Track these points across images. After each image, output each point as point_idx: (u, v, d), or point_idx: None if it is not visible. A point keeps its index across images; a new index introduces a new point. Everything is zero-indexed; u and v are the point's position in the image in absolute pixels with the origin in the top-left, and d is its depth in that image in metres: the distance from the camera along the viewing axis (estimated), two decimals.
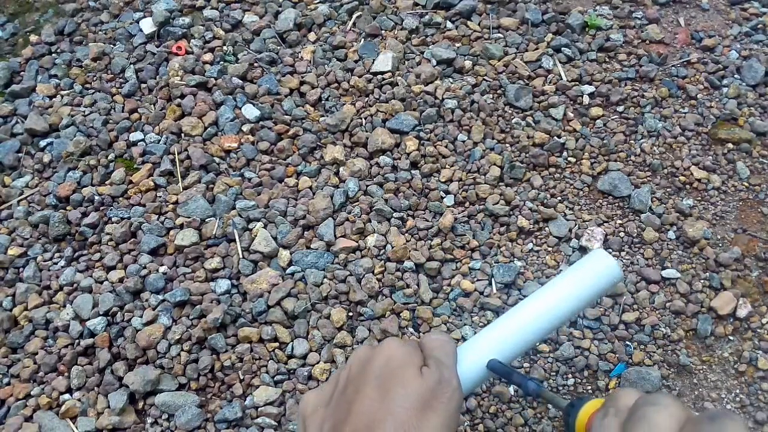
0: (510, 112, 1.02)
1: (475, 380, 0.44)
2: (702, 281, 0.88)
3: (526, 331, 0.45)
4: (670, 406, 0.29)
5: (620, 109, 1.03)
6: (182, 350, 0.82)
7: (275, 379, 0.81)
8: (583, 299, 0.46)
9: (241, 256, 0.88)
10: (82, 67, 1.09)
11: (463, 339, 0.83)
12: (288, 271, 0.87)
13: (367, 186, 0.94)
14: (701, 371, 0.83)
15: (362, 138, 0.97)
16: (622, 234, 0.92)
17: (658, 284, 0.88)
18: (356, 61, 1.07)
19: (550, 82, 1.05)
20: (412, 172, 0.95)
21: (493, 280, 0.87)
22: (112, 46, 1.12)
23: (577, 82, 1.06)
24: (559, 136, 0.99)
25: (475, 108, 1.01)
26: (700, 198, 0.95)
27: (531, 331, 0.45)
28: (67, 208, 0.95)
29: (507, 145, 0.99)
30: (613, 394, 0.33)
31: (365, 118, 1.00)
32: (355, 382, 0.39)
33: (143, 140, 1.00)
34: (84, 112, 1.03)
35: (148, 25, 1.12)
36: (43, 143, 1.01)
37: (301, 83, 1.05)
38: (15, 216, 0.94)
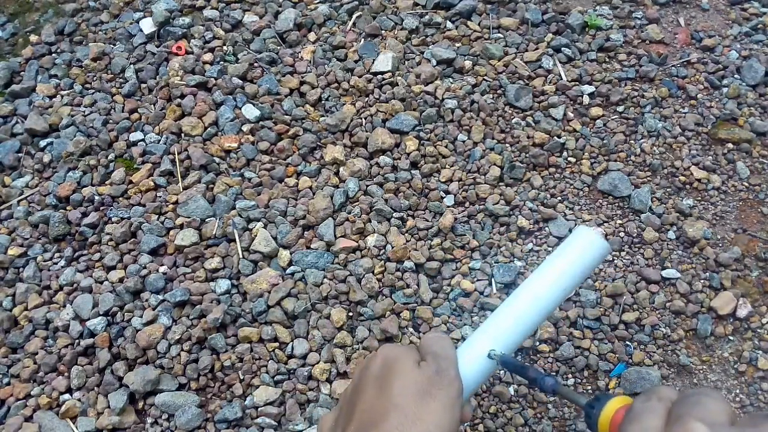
0: (510, 112, 1.02)
1: (478, 373, 0.44)
2: (702, 281, 0.88)
3: (524, 319, 0.46)
4: (723, 399, 0.30)
5: (620, 109, 1.03)
6: (182, 350, 0.82)
7: (275, 379, 0.81)
8: (574, 279, 0.47)
9: (241, 256, 0.88)
10: (82, 67, 1.09)
11: (463, 339, 0.83)
12: (288, 271, 0.87)
13: (367, 186, 0.94)
14: (701, 371, 0.83)
15: (362, 138, 0.97)
16: (622, 234, 0.92)
17: (658, 284, 0.88)
18: (356, 61, 1.07)
19: (550, 82, 1.05)
20: (412, 172, 0.95)
21: (493, 280, 0.87)
22: (112, 46, 1.12)
23: (577, 82, 1.06)
24: (559, 136, 0.99)
25: (475, 108, 1.01)
26: (700, 198, 0.95)
27: (528, 318, 0.46)
28: (67, 208, 0.95)
29: (507, 145, 0.99)
30: (652, 388, 0.34)
31: (365, 118, 1.00)
32: (358, 386, 0.41)
33: (143, 140, 1.00)
34: (84, 112, 1.03)
35: (148, 25, 1.12)
36: (43, 143, 1.01)
37: (301, 83, 1.05)
38: (15, 216, 0.94)
